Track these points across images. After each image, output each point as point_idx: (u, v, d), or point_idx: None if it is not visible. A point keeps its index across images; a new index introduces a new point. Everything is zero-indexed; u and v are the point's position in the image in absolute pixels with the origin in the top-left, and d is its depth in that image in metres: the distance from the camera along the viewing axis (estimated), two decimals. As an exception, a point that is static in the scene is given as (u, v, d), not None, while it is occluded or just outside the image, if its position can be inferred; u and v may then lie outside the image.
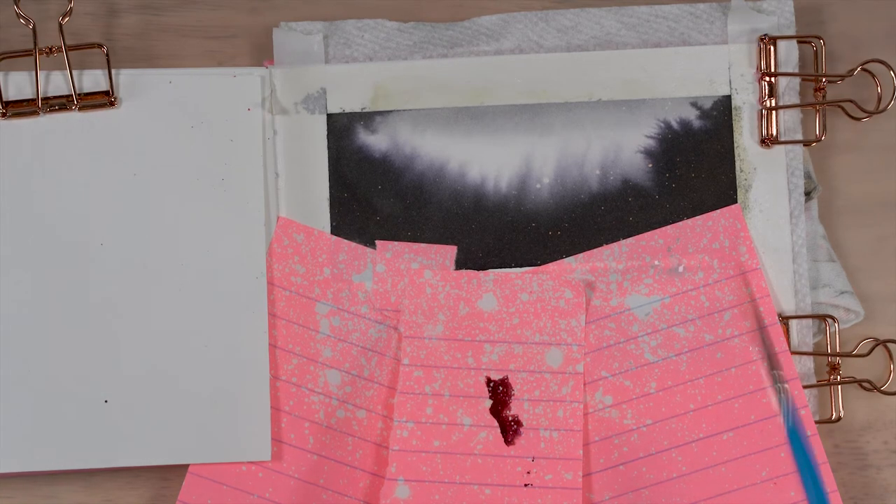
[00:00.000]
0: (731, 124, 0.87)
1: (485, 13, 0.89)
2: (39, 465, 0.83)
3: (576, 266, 0.86)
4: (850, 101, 0.88)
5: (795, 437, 0.84)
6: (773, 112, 0.87)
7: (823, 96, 0.88)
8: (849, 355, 0.86)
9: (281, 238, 0.86)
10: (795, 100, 0.87)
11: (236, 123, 0.85)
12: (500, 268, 0.86)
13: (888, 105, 0.88)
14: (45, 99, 0.85)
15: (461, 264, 0.86)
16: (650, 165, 0.87)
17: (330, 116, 0.87)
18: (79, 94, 0.85)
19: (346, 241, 0.86)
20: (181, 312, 0.84)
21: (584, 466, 0.85)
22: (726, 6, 0.88)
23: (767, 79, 0.87)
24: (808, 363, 0.86)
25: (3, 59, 0.85)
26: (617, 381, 0.85)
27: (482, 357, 0.85)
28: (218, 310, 0.84)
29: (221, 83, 0.86)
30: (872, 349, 0.87)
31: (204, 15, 0.89)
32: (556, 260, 0.86)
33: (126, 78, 0.86)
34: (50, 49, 0.85)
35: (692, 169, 0.87)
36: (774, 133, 0.87)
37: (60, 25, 0.84)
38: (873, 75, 0.88)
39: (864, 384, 0.87)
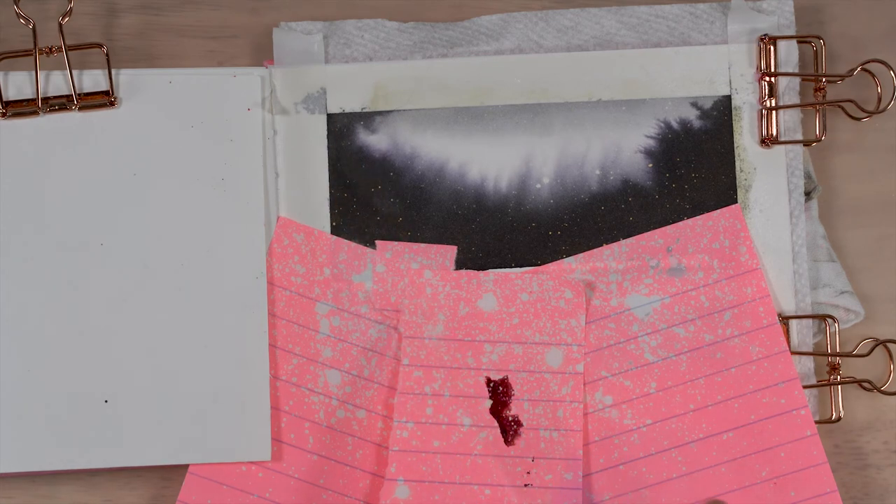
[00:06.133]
0: (731, 124, 0.87)
1: (485, 13, 0.89)
2: (39, 465, 0.83)
3: (576, 266, 0.86)
4: (850, 101, 0.88)
5: None
6: (773, 112, 0.87)
7: (823, 96, 0.88)
8: (849, 355, 0.86)
9: (281, 238, 0.86)
10: (795, 100, 0.87)
11: (236, 123, 0.85)
12: (500, 268, 0.86)
13: (888, 105, 0.88)
14: (45, 99, 0.85)
15: (461, 264, 0.86)
16: (650, 165, 0.87)
17: (330, 116, 0.87)
18: (79, 94, 0.85)
19: (346, 241, 0.86)
20: (181, 312, 0.84)
21: (584, 466, 0.85)
22: (726, 6, 0.88)
23: (767, 79, 0.87)
24: (808, 363, 0.86)
25: (3, 59, 0.85)
26: (617, 381, 0.85)
27: (482, 357, 0.85)
28: (218, 310, 0.84)
29: (221, 83, 0.86)
30: (872, 349, 0.87)
31: (204, 15, 0.89)
32: (556, 260, 0.86)
33: (126, 78, 0.86)
34: (50, 49, 0.84)
35: (692, 169, 0.87)
36: (774, 133, 0.87)
37: (60, 25, 0.84)
38: (873, 75, 0.88)
39: (864, 384, 0.87)
